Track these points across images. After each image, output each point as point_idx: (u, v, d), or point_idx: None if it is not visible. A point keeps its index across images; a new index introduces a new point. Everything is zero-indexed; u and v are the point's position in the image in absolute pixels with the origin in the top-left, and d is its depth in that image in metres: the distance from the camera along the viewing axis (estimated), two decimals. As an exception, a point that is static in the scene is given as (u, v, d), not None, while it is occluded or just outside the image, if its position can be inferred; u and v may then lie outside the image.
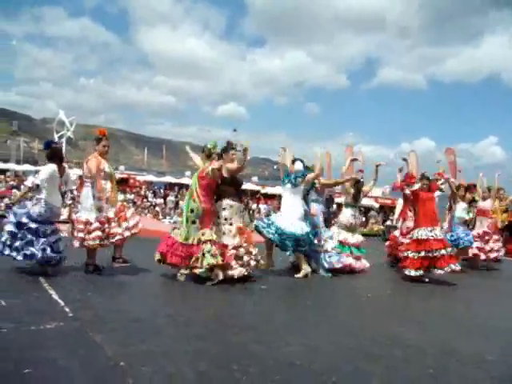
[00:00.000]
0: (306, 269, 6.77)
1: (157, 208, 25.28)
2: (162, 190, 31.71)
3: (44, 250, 5.35)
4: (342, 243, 7.80)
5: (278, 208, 8.83)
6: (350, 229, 8.03)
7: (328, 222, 20.49)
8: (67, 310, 4.21)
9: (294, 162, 7.30)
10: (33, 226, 5.37)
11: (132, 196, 25.35)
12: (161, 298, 5.11)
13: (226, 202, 6.19)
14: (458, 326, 4.97)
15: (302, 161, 7.31)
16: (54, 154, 5.59)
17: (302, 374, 3.25)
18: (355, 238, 7.93)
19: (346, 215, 8.08)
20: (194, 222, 5.85)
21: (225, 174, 6.14)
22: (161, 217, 23.11)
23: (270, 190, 35.53)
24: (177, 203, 24.66)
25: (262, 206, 25.71)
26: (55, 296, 4.62)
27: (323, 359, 3.58)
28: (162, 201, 26.91)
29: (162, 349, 3.47)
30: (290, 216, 6.87)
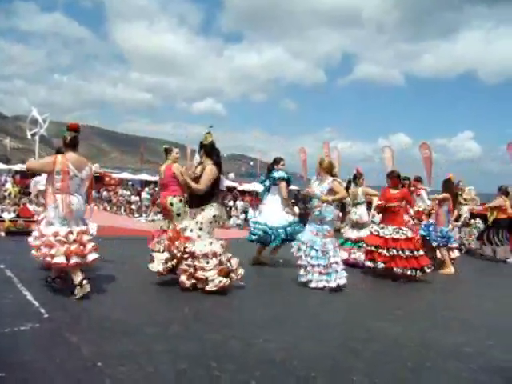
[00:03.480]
0: None
1: (132, 206, 25.10)
2: (139, 188, 31.47)
3: None
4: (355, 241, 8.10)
5: (256, 205, 9.00)
6: (360, 225, 8.22)
7: (305, 217, 20.63)
8: (42, 310, 4.14)
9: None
10: None
11: (110, 194, 25.16)
12: (138, 297, 5.05)
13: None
14: (435, 319, 5.04)
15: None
16: None
17: (281, 371, 3.25)
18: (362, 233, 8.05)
19: (360, 213, 8.24)
20: None
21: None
22: (136, 214, 22.93)
23: (246, 186, 35.56)
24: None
25: (239, 203, 25.70)
26: (30, 297, 4.53)
27: (302, 355, 3.58)
28: (137, 198, 26.68)
29: (140, 348, 3.44)
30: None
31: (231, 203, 25.88)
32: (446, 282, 7.59)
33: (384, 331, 4.37)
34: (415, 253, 6.95)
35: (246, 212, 24.23)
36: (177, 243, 5.34)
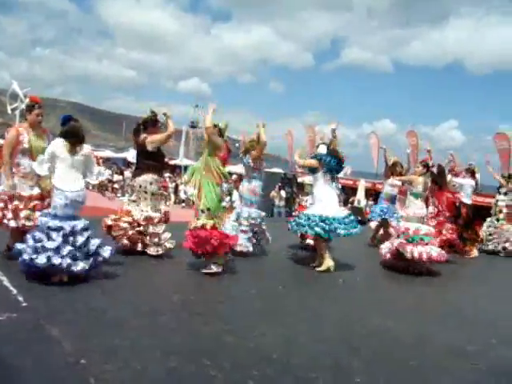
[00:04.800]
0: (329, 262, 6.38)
1: (115, 185, 24.62)
2: (122, 167, 30.90)
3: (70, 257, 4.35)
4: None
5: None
6: (423, 220, 7.14)
7: (290, 202, 20.51)
8: (20, 298, 3.84)
9: (317, 146, 6.83)
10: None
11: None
12: (122, 285, 4.72)
13: (153, 176, 6.13)
14: (433, 314, 4.84)
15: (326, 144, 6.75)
16: (68, 133, 4.67)
17: (280, 369, 3.04)
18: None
19: (418, 206, 7.09)
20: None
21: (150, 148, 6.09)
22: (119, 194, 22.48)
23: (231, 168, 35.22)
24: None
25: (224, 185, 25.35)
26: (7, 283, 4.21)
27: (301, 352, 3.38)
28: (120, 177, 26.15)
29: (126, 343, 3.18)
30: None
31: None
32: (443, 276, 7.46)
33: (382, 327, 4.17)
34: None
35: (230, 194, 23.94)
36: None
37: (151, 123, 6.19)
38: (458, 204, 9.03)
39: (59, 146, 4.57)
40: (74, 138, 4.61)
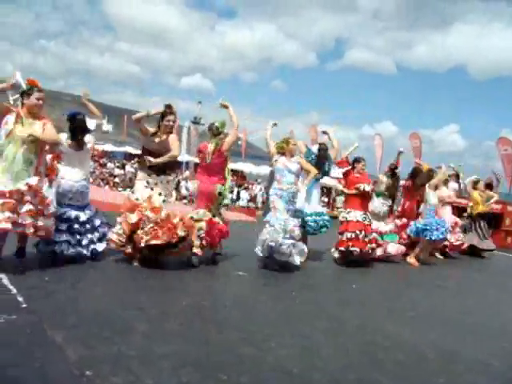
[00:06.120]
0: None
1: (116, 179, 24.40)
2: (123, 160, 30.76)
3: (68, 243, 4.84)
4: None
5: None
6: (381, 217, 7.71)
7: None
8: (20, 299, 3.57)
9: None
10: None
11: (95, 164, 24.51)
12: (129, 286, 4.47)
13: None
14: (450, 323, 4.60)
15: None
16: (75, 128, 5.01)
17: (303, 387, 2.78)
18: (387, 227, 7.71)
19: (375, 204, 7.69)
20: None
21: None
22: (120, 188, 22.23)
23: (232, 165, 34.94)
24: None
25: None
26: (6, 281, 3.94)
27: (322, 365, 3.10)
28: (121, 171, 25.95)
29: (135, 351, 2.92)
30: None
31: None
32: (456, 281, 7.26)
33: (401, 337, 3.94)
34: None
35: (231, 192, 23.69)
36: (150, 214, 5.05)
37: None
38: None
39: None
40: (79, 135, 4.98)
